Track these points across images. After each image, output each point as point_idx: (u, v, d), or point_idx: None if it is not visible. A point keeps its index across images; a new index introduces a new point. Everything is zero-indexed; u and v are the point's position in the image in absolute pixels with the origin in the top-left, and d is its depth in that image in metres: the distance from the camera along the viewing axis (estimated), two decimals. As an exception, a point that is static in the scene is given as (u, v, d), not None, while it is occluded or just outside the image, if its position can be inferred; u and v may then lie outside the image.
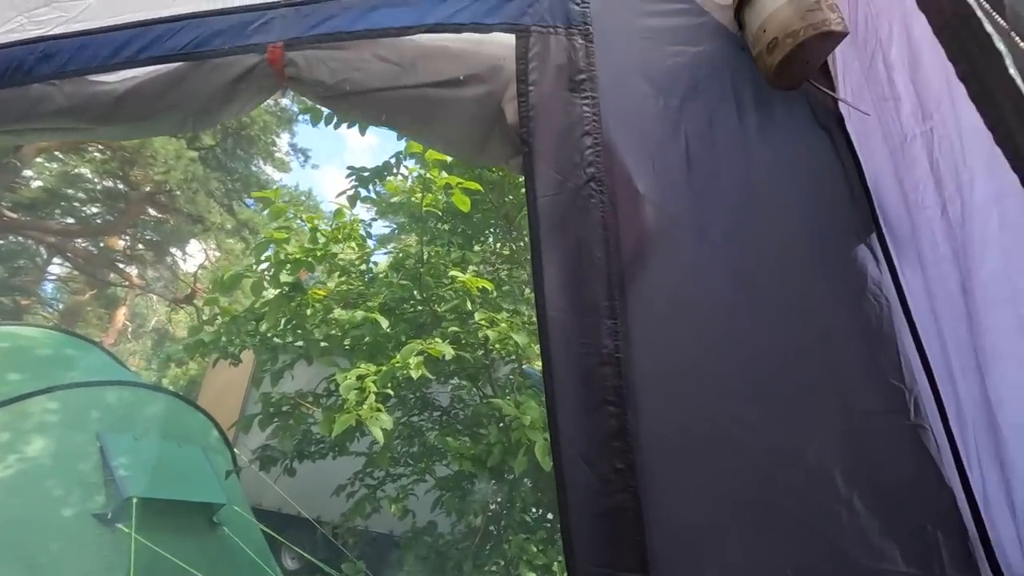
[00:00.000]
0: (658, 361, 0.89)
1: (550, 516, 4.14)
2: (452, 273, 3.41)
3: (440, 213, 3.53)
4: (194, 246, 15.29)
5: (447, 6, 0.96)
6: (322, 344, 3.74)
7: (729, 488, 0.86)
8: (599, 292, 0.90)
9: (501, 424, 3.60)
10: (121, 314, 16.06)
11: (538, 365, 3.99)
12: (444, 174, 3.13)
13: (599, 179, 0.91)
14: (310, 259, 3.12)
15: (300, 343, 3.64)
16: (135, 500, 3.53)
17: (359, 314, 3.13)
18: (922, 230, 0.71)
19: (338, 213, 3.23)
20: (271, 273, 3.09)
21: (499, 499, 3.87)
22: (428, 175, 3.15)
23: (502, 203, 4.45)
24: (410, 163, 3.93)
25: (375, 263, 4.12)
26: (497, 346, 3.48)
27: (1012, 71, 0.45)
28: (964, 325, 0.66)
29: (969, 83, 0.50)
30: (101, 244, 14.18)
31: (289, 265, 3.00)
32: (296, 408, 3.30)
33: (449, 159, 3.22)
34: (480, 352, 3.77)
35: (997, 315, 0.61)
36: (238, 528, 4.35)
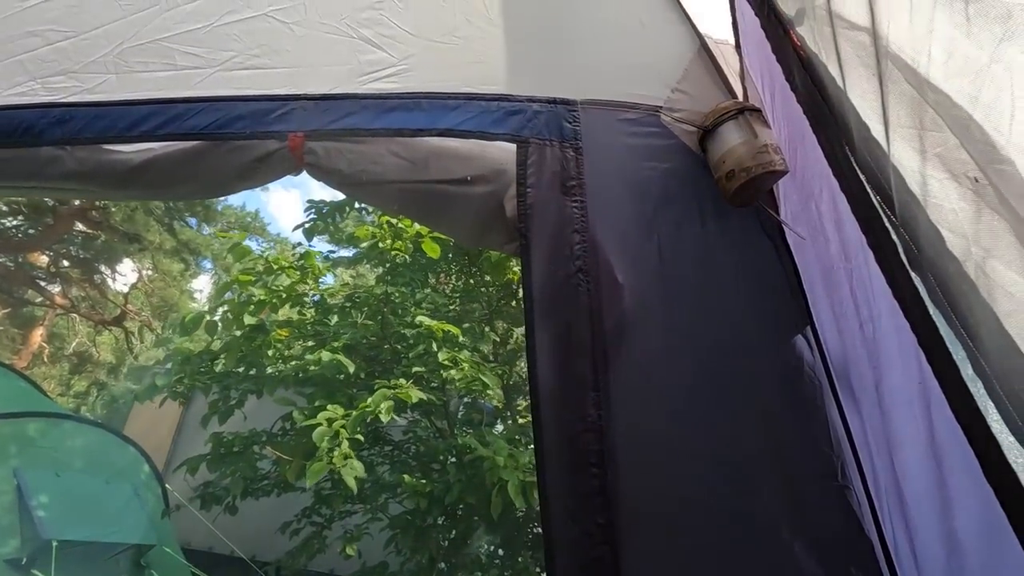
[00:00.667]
0: (633, 429, 1.04)
1: (501, 552, 4.18)
2: (419, 318, 3.47)
3: (408, 258, 3.61)
4: (126, 265, 14.49)
5: (457, 114, 1.11)
6: (275, 377, 3.69)
7: (693, 541, 1.00)
8: (584, 367, 1.05)
9: (461, 460, 3.64)
10: (38, 335, 14.89)
11: (491, 398, 4.09)
12: (416, 224, 3.23)
13: (586, 270, 1.07)
14: (274, 300, 3.12)
15: (252, 374, 3.58)
16: (55, 543, 3.30)
17: (325, 355, 3.14)
18: (845, 333, 0.89)
19: (307, 256, 3.25)
20: (233, 314, 3.06)
21: (452, 536, 3.88)
22: (399, 224, 3.24)
23: (469, 248, 4.57)
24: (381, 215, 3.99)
25: (324, 283, 4.11)
26: (458, 384, 3.56)
27: (903, 258, 0.64)
28: (878, 415, 0.84)
29: (874, 252, 0.69)
30: (21, 259, 13.20)
31: (252, 306, 3.00)
32: (248, 448, 3.24)
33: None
34: (438, 389, 3.82)
35: (900, 413, 0.79)
36: (168, 571, 4.12)
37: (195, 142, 1.19)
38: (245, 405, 3.58)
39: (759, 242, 1.06)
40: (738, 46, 1.05)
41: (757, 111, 1.00)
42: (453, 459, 3.88)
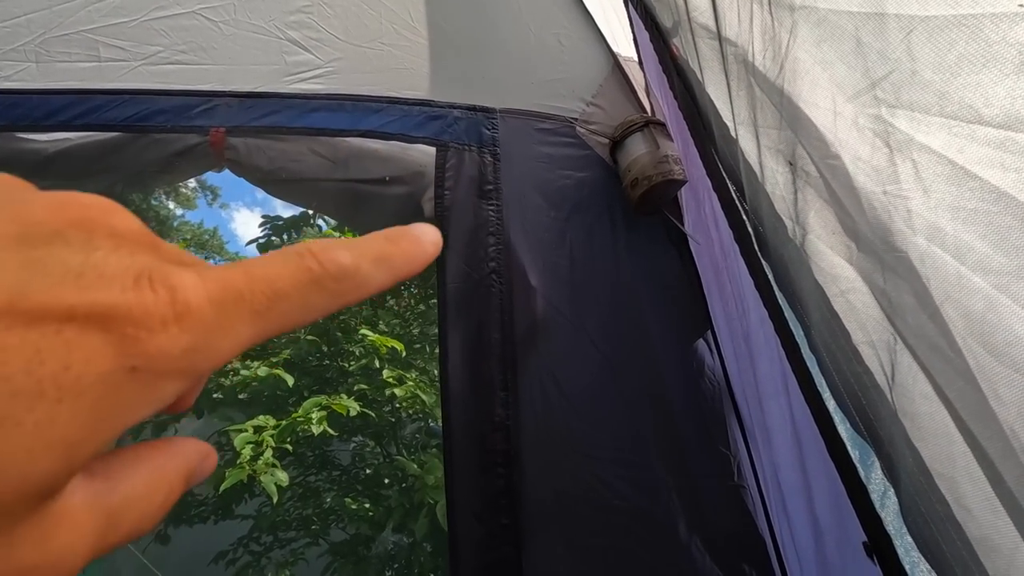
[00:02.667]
0: (539, 430, 1.05)
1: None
2: (362, 332, 3.43)
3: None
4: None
5: (379, 117, 1.13)
6: (215, 396, 3.56)
7: (595, 539, 1.01)
8: (494, 368, 1.06)
9: (404, 485, 3.56)
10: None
11: (436, 418, 4.03)
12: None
13: (499, 272, 1.09)
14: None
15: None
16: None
17: (262, 370, 3.06)
18: (734, 333, 0.94)
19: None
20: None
21: (396, 564, 3.76)
22: (344, 236, 3.23)
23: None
24: (327, 229, 3.99)
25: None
26: (404, 404, 3.51)
27: (755, 244, 0.69)
28: (758, 407, 0.88)
29: (738, 245, 0.74)
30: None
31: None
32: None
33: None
34: (387, 409, 3.75)
35: (770, 403, 0.83)
36: (91, 606, 3.84)
37: (113, 134, 1.18)
38: (182, 421, 3.42)
39: (664, 250, 1.11)
40: (641, 63, 1.12)
41: (661, 125, 1.06)
42: (399, 484, 3.78)
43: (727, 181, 0.72)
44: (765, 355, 0.79)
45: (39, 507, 0.14)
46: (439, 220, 1.10)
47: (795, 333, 0.63)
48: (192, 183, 13.90)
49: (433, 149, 1.12)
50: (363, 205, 1.12)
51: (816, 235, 0.56)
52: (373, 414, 3.44)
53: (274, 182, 1.12)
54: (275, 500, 2.80)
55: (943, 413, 0.47)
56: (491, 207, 1.10)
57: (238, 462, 2.66)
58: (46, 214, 0.16)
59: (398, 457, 3.46)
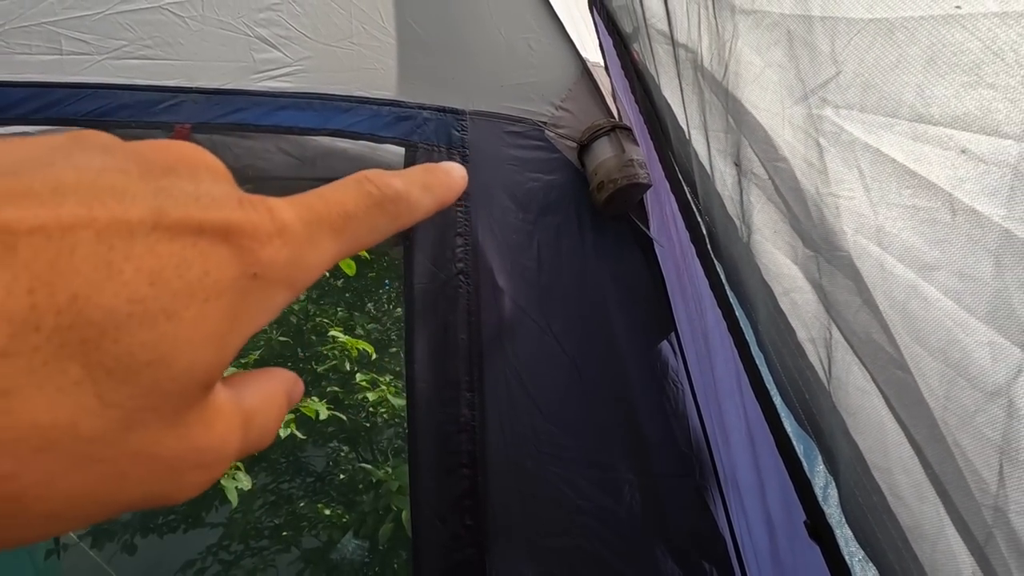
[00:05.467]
0: (504, 430, 1.05)
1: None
2: (332, 333, 3.40)
3: (327, 273, 3.55)
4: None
5: (348, 116, 1.13)
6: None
7: (560, 540, 1.01)
8: (460, 368, 1.06)
9: (376, 491, 3.52)
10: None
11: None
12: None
13: (467, 273, 1.09)
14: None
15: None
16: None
17: (230, 369, 3.00)
18: (695, 334, 0.95)
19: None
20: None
21: (375, 571, 3.71)
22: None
23: (394, 265, 4.54)
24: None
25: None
26: (378, 409, 3.47)
27: (708, 244, 0.71)
28: (716, 408, 0.89)
29: (693, 245, 0.75)
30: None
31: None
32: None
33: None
34: (362, 415, 3.71)
35: (727, 403, 0.85)
36: (57, 630, 3.71)
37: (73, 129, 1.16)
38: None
39: (630, 253, 1.12)
40: (607, 68, 1.13)
41: (628, 129, 1.07)
42: (372, 490, 3.74)
43: (683, 183, 0.74)
44: (721, 355, 0.81)
45: (202, 397, 0.17)
46: (407, 220, 1.10)
47: (745, 332, 0.64)
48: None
49: (402, 149, 1.12)
50: (330, 204, 1.11)
51: (763, 235, 0.58)
52: (345, 418, 3.40)
53: (240, 180, 1.10)
54: (234, 504, 2.75)
55: (879, 405, 0.48)
56: (459, 208, 1.11)
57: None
58: (155, 154, 0.18)
59: (363, 465, 3.41)
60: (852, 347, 0.51)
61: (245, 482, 2.77)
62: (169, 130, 1.13)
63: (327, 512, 3.52)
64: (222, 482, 2.64)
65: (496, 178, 1.13)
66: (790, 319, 0.56)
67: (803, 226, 0.55)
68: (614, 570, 1.00)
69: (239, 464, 2.77)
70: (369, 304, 5.26)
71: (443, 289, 1.08)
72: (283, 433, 2.84)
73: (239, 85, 1.15)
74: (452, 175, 0.27)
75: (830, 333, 0.52)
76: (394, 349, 4.29)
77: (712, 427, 0.94)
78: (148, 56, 1.18)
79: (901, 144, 0.46)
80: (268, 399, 0.21)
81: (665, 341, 1.09)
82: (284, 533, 3.59)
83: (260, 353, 3.41)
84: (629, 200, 1.05)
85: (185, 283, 0.16)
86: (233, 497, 2.68)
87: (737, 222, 0.61)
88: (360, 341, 3.43)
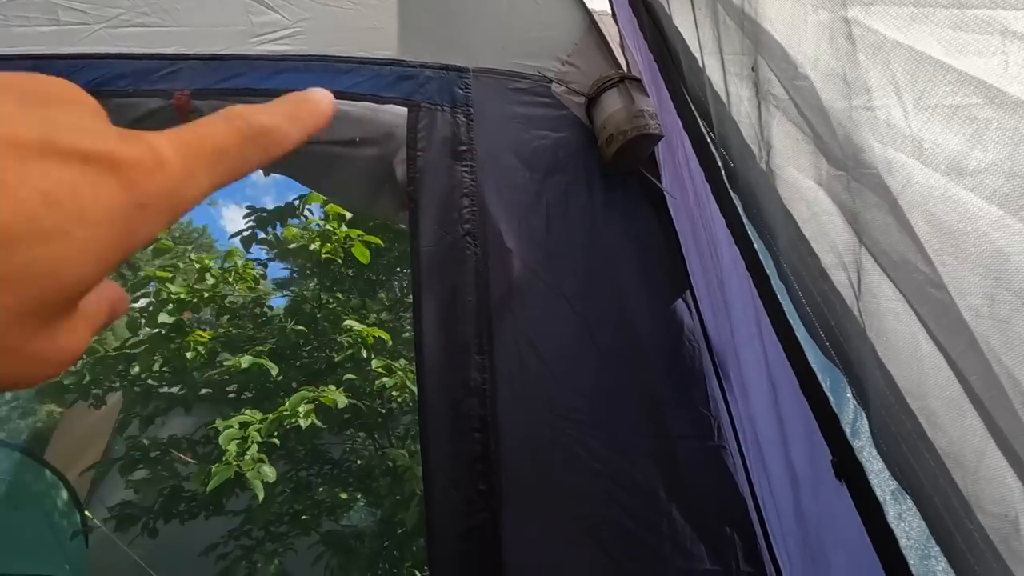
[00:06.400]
0: (516, 393, 1.02)
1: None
2: (347, 322, 3.40)
3: (340, 260, 3.54)
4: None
5: (349, 77, 1.10)
6: (203, 391, 3.51)
7: (572, 506, 0.99)
8: (469, 331, 1.03)
9: (395, 476, 3.53)
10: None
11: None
12: (344, 227, 3.18)
13: (474, 234, 1.06)
14: (196, 300, 3.00)
15: (177, 388, 3.39)
16: (-46, 576, 3.02)
17: (246, 359, 3.01)
18: (711, 286, 0.92)
19: (229, 254, 3.15)
20: (149, 311, 2.92)
21: (393, 555, 3.74)
22: (328, 226, 3.18)
23: (406, 253, 4.53)
24: (314, 207, 3.94)
25: (270, 308, 4.01)
26: (395, 395, 3.47)
27: (725, 180, 0.67)
28: (735, 360, 0.86)
29: (709, 183, 0.71)
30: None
31: (171, 305, 2.87)
32: (166, 455, 3.04)
33: (349, 214, 3.30)
34: (378, 402, 3.72)
35: (746, 352, 0.81)
36: (85, 606, 3.80)
37: (74, 99, 1.14)
38: (169, 413, 3.38)
39: (642, 210, 1.08)
40: (614, 14, 1.09)
41: (637, 80, 1.03)
42: (391, 475, 3.76)
43: (697, 117, 0.70)
44: (739, 301, 0.77)
45: (75, 306, 0.19)
46: (412, 182, 1.07)
47: (765, 265, 0.61)
48: (180, 181, 13.77)
49: (404, 110, 1.09)
50: (333, 168, 1.09)
51: (784, 159, 0.54)
52: (363, 406, 3.41)
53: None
54: (261, 497, 2.77)
55: (913, 327, 0.45)
56: (465, 168, 1.08)
57: (224, 458, 2.62)
58: (33, 85, 0.19)
59: (386, 449, 3.42)
60: (883, 268, 0.47)
61: (270, 475, 2.78)
62: (168, 97, 1.11)
63: (344, 496, 3.54)
64: (248, 476, 2.65)
65: (502, 137, 1.10)
66: (813, 245, 0.52)
67: (827, 145, 0.51)
68: (631, 533, 0.97)
69: (262, 457, 2.78)
70: (381, 293, 5.27)
71: (450, 251, 1.06)
72: (303, 423, 2.84)
73: (237, 50, 1.13)
74: (319, 103, 0.28)
75: (859, 256, 0.48)
76: (407, 334, 4.28)
77: (731, 384, 0.91)
78: (145, 24, 1.16)
79: (937, 36, 0.42)
80: (99, 307, 0.23)
81: (680, 300, 1.05)
82: (304, 518, 3.63)
83: (276, 341, 3.42)
84: (640, 153, 1.01)
85: (78, 207, 0.17)
86: (260, 491, 2.69)
87: (755, 147, 0.57)
88: (375, 329, 3.43)
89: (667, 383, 1.02)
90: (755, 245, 0.62)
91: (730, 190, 0.66)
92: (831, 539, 0.66)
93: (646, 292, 1.06)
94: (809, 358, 0.55)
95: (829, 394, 0.54)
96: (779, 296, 0.58)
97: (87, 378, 2.97)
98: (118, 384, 3.08)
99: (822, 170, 0.51)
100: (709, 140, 0.68)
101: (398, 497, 3.38)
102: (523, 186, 1.08)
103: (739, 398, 0.88)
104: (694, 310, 1.04)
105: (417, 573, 3.70)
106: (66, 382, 2.92)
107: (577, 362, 1.04)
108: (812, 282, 0.52)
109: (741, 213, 0.63)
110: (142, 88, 1.12)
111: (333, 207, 3.05)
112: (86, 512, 4.52)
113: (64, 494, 4.43)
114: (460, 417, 1.01)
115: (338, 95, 1.08)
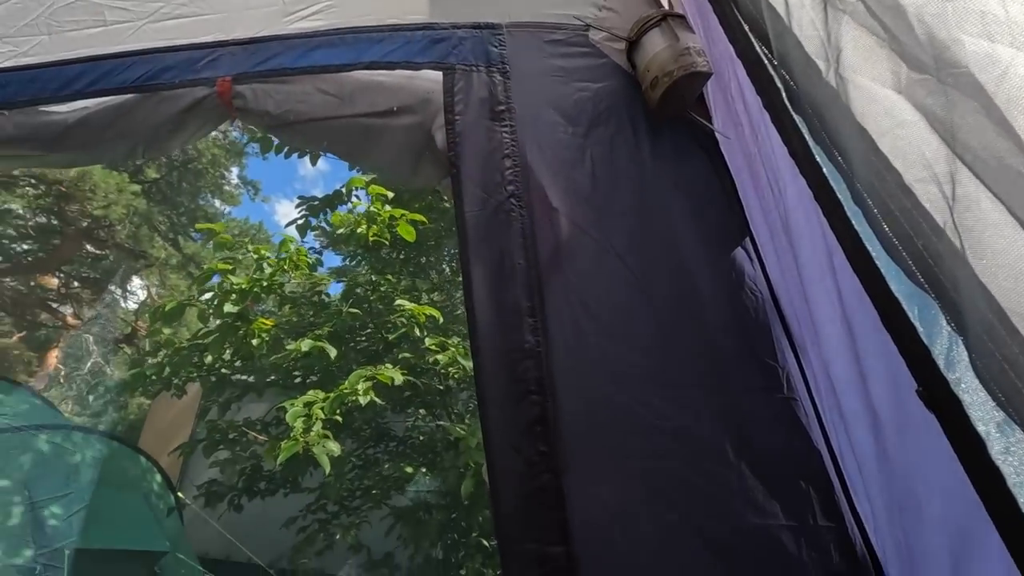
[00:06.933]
0: (571, 354, 1.01)
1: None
2: (399, 302, 3.46)
3: (387, 243, 3.60)
4: (136, 283, 14.65)
5: (382, 47, 1.09)
6: (271, 378, 3.69)
7: (636, 464, 0.97)
8: (520, 294, 1.02)
9: (455, 450, 3.62)
10: (53, 357, 15.09)
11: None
12: (388, 207, 3.23)
13: (518, 196, 1.04)
14: (256, 289, 3.13)
15: (248, 376, 3.58)
16: (67, 552, 3.32)
17: (306, 343, 3.13)
18: (773, 228, 0.86)
19: (283, 243, 3.26)
20: (215, 303, 3.07)
21: (453, 521, 3.86)
22: (372, 208, 3.23)
23: (452, 232, 4.57)
24: (360, 196, 4.01)
25: (327, 295, 4.14)
26: (450, 370, 3.54)
27: (786, 102, 0.61)
28: (803, 304, 0.80)
29: (768, 111, 0.66)
30: (32, 283, 13.42)
31: (234, 295, 3.01)
32: (243, 436, 3.23)
33: (391, 194, 3.33)
34: (435, 379, 3.81)
35: (816, 289, 0.75)
36: (181, 576, 4.13)
37: (126, 96, 1.19)
38: (244, 399, 3.59)
39: (693, 156, 1.03)
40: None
41: (681, 17, 0.97)
42: (451, 449, 3.85)
43: (751, 39, 0.64)
44: (807, 236, 0.72)
45: None
46: (452, 147, 1.05)
47: (836, 190, 0.55)
48: (235, 179, 14.38)
49: (439, 74, 1.07)
50: (373, 140, 1.09)
51: (855, 69, 0.49)
52: (419, 382, 3.49)
53: (283, 126, 1.11)
54: (328, 471, 2.89)
55: (1018, 241, 0.40)
56: (504, 128, 1.05)
57: (291, 435, 2.75)
58: None
59: (443, 423, 3.50)
60: (979, 177, 0.42)
61: (335, 449, 2.90)
62: (212, 85, 1.14)
63: (410, 470, 3.66)
64: (315, 451, 2.77)
65: (541, 93, 1.06)
66: (893, 160, 0.47)
67: (906, 46, 0.46)
68: (699, 489, 0.94)
69: (327, 433, 2.90)
70: (432, 273, 5.34)
71: (495, 215, 1.04)
72: (363, 400, 2.94)
73: (273, 31, 1.14)
74: None
75: (951, 165, 0.43)
76: (459, 312, 4.33)
77: (799, 332, 0.86)
78: (184, 15, 1.18)
79: None
80: None
81: (739, 248, 1.00)
82: (374, 492, 3.79)
83: (333, 325, 3.54)
84: (687, 95, 0.96)
85: None
86: (326, 464, 2.82)
87: (821, 62, 0.52)
88: (426, 307, 3.48)
89: (729, 335, 0.97)
90: (824, 171, 0.56)
91: (792, 114, 0.60)
92: (922, 485, 0.62)
93: (702, 242, 1.01)
94: (892, 287, 0.50)
95: (917, 323, 0.49)
96: (854, 223, 0.53)
97: (167, 370, 3.18)
98: (195, 374, 3.28)
99: (901, 76, 0.46)
100: (767, 62, 0.62)
101: (462, 470, 3.46)
102: (566, 142, 1.05)
103: (810, 345, 0.83)
104: (755, 257, 0.98)
105: (484, 541, 3.81)
106: (149, 373, 3.13)
107: (632, 319, 1.01)
108: (893, 201, 0.47)
109: (806, 137, 0.58)
110: (187, 78, 1.14)
111: (376, 188, 3.09)
112: (178, 493, 4.90)
113: (158, 477, 4.81)
114: (516, 381, 1.01)
115: (372, 65, 1.07)
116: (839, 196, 0.54)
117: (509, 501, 0.99)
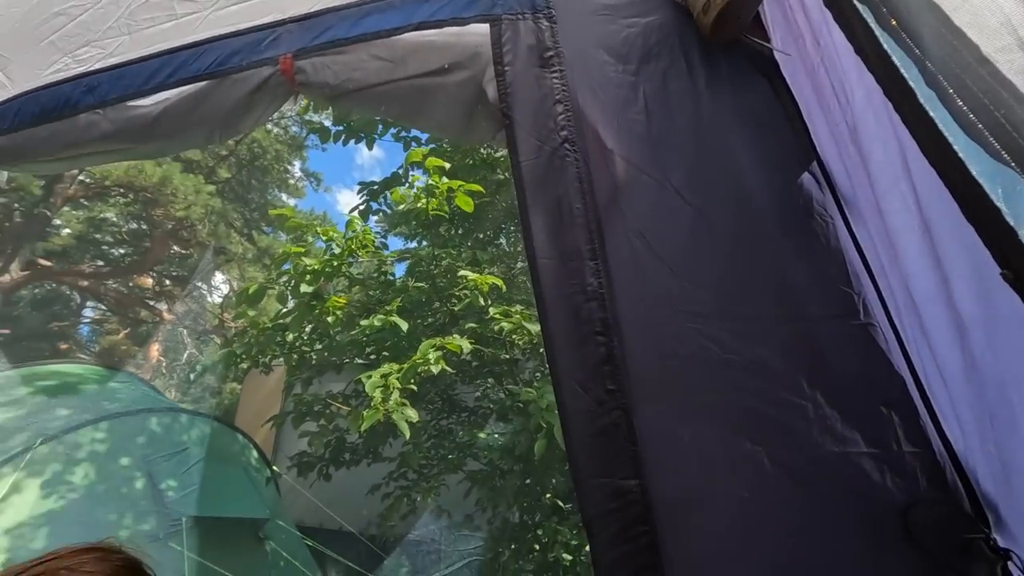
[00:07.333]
0: (635, 294, 1.01)
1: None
2: (462, 273, 3.54)
3: (447, 216, 3.67)
4: (218, 277, 15.75)
5: (429, 6, 1.11)
6: (348, 354, 3.90)
7: (708, 399, 0.97)
8: (580, 238, 1.03)
9: (524, 415, 3.69)
10: (154, 350, 16.55)
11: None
12: (445, 179, 3.29)
13: (572, 140, 1.04)
14: (328, 269, 3.30)
15: (325, 353, 3.79)
16: (185, 520, 3.68)
17: (378, 318, 3.28)
18: (840, 142, 0.82)
19: (349, 223, 3.40)
20: (292, 285, 3.27)
21: (527, 484, 3.96)
22: (430, 181, 3.30)
23: (510, 204, 4.59)
24: (417, 172, 4.09)
25: (393, 275, 4.31)
26: (514, 337, 3.60)
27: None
28: (876, 214, 0.76)
29: (830, 7, 0.62)
30: (131, 284, 14.71)
31: (308, 276, 3.19)
32: (327, 407, 3.45)
33: (448, 165, 3.39)
34: (501, 349, 3.89)
35: (890, 199, 0.72)
36: (283, 543, 4.50)
37: (201, 84, 1.28)
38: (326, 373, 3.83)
39: (752, 82, 0.99)
40: None
41: (731, -65, 0.92)
42: (521, 414, 3.94)
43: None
44: (878, 140, 0.68)
45: None
46: (503, 99, 1.07)
47: (908, 78, 0.52)
48: (298, 172, 15.03)
49: (487, 27, 1.08)
50: (427, 99, 1.12)
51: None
52: (486, 351, 3.58)
53: (343, 96, 1.16)
54: (408, 435, 3.03)
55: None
56: (554, 74, 1.05)
57: (372, 405, 2.91)
58: None
59: (509, 387, 3.58)
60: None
61: (413, 416, 3.04)
62: (275, 64, 1.20)
63: (483, 436, 3.79)
64: (394, 417, 2.91)
65: (588, 33, 1.05)
66: (968, 33, 0.44)
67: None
68: (774, 420, 0.94)
69: (404, 401, 3.04)
70: (491, 248, 5.40)
71: (550, 161, 1.05)
72: (435, 369, 3.05)
73: (325, 4, 1.18)
74: None
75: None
76: (520, 280, 4.38)
77: (875, 249, 0.82)
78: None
79: None
80: None
81: (806, 172, 0.96)
82: (450, 457, 3.95)
83: (401, 300, 3.68)
84: (742, 16, 0.92)
85: None
86: (405, 429, 2.96)
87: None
88: (489, 276, 3.55)
89: (799, 263, 0.95)
90: (893, 59, 0.53)
91: (856, 4, 0.57)
92: (1015, 391, 0.59)
93: (765, 170, 0.98)
94: (971, 170, 0.48)
95: (1001, 205, 0.46)
96: (928, 110, 0.50)
97: (255, 349, 3.43)
98: (279, 352, 3.52)
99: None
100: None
101: (534, 434, 3.54)
102: (617, 81, 1.04)
103: (887, 262, 0.80)
104: (822, 180, 0.94)
105: (559, 503, 3.90)
106: (239, 352, 3.40)
107: (695, 254, 1.00)
108: (970, 75, 0.44)
109: (872, 26, 0.55)
110: (253, 60, 1.22)
111: (433, 160, 3.15)
112: (273, 466, 5.31)
113: (254, 452, 5.23)
114: (582, 323, 1.03)
115: (422, 26, 1.10)
116: (910, 84, 0.51)
117: (580, 439, 1.02)
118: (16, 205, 11.41)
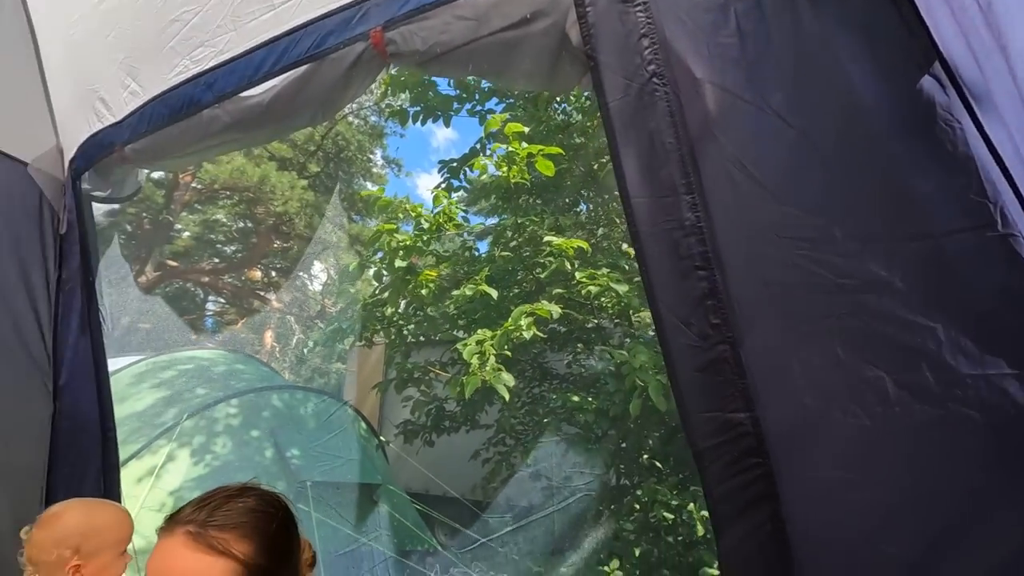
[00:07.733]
0: (736, 224, 0.99)
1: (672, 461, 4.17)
2: (548, 238, 3.57)
3: (528, 184, 3.70)
4: (317, 266, 16.90)
5: (506, -42, 1.12)
6: (442, 326, 4.08)
7: (821, 326, 0.93)
8: (675, 173, 1.02)
9: (617, 377, 3.69)
10: (268, 336, 18.14)
11: (646, 315, 4.03)
12: (524, 144, 3.31)
13: (660, 74, 1.03)
14: (419, 244, 3.45)
15: (423, 324, 3.99)
16: (309, 483, 4.08)
17: (469, 288, 3.39)
18: (970, 28, 0.74)
19: (436, 198, 3.52)
20: (387, 261, 3.46)
21: (623, 446, 3.98)
22: (510, 148, 3.33)
23: (589, 168, 4.54)
24: (493, 145, 4.14)
25: (477, 250, 4.43)
26: (603, 300, 3.59)
27: None
28: (1019, 104, 0.69)
29: None
30: (243, 278, 16.17)
31: (401, 251, 3.36)
32: (426, 374, 3.65)
33: (527, 129, 3.39)
34: (589, 315, 3.90)
35: None
36: (393, 504, 4.84)
37: (303, 68, 1.38)
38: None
39: (857, -16, 0.92)
40: None
41: None
42: (614, 377, 3.94)
43: None
44: (1018, 14, 0.61)
45: None
46: (587, 41, 1.06)
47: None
48: (379, 160, 15.66)
49: (566, -31, 1.08)
50: (513, 52, 1.14)
51: None
52: (577, 315, 3.61)
53: (432, 59, 1.20)
54: (507, 398, 3.14)
55: None
56: (638, 8, 1.03)
57: (470, 371, 3.04)
58: None
59: (602, 347, 3.58)
60: None
61: (510, 380, 3.14)
62: (367, 39, 1.27)
63: (576, 399, 3.84)
64: (491, 382, 3.02)
65: (672, -41, 1.02)
66: None
67: None
68: (901, 344, 0.88)
69: (500, 367, 3.14)
70: (572, 213, 5.37)
71: (639, 98, 1.04)
72: (527, 335, 3.12)
73: (406, -29, 1.23)
74: None
75: None
76: (605, 244, 4.34)
77: (1015, 148, 0.74)
78: (333, -22, 1.33)
79: None
80: None
81: (927, 76, 0.88)
82: (545, 421, 4.06)
83: (489, 269, 3.78)
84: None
85: None
86: (504, 393, 3.06)
87: None
88: (573, 240, 3.55)
89: (921, 175, 0.88)
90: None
91: None
92: None
93: (878, 79, 0.91)
94: None
95: None
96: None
97: (358, 324, 3.69)
98: (378, 326, 3.76)
99: None
100: None
101: (630, 397, 3.53)
102: (705, 5, 1.00)
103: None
104: (947, 81, 0.86)
105: (656, 463, 3.89)
106: (345, 327, 3.67)
107: (800, 179, 0.95)
108: None
109: None
110: (347, 37, 1.29)
111: (513, 126, 3.17)
112: (380, 436, 5.71)
113: (363, 423, 5.64)
114: (681, 258, 1.02)
115: (501, -22, 1.11)
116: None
117: (686, 374, 1.03)
118: (144, 214, 12.85)
